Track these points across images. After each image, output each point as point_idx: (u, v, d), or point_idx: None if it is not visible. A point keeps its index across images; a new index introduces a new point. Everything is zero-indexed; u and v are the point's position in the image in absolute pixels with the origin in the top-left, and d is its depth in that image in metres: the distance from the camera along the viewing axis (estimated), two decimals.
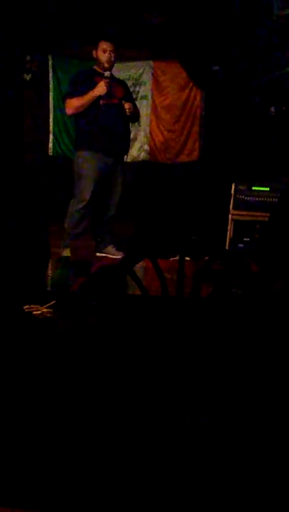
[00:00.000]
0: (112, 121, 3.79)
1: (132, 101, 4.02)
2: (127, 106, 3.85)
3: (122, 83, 4.06)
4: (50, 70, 5.58)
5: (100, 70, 3.81)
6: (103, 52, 3.78)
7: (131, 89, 5.52)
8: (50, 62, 5.56)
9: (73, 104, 3.76)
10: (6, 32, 4.48)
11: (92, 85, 3.73)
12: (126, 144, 4.04)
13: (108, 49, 3.77)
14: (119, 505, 1.01)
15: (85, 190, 3.75)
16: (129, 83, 5.54)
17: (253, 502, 0.98)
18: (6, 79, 4.68)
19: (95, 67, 3.86)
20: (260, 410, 1.12)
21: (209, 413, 1.11)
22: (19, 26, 4.64)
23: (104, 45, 3.78)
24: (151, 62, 5.54)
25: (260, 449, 1.07)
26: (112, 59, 3.80)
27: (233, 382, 1.14)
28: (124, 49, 5.35)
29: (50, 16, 4.81)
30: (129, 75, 5.53)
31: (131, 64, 5.51)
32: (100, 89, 3.68)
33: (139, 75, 5.57)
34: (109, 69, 3.79)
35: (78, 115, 3.81)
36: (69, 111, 3.84)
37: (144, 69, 5.56)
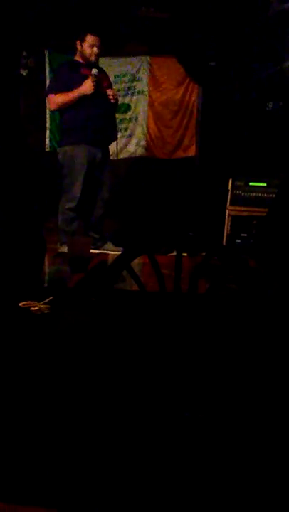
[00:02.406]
0: (99, 111, 3.72)
1: (111, 87, 3.96)
2: (110, 92, 3.79)
3: (103, 71, 3.97)
4: (47, 66, 5.56)
5: (83, 62, 3.74)
6: (90, 47, 3.69)
7: (128, 85, 5.54)
8: (46, 58, 5.54)
9: (57, 101, 3.69)
10: (2, 27, 4.45)
11: (79, 77, 3.65)
12: (112, 133, 3.98)
13: (95, 43, 3.69)
14: (118, 501, 1.01)
15: (76, 187, 3.69)
16: (126, 79, 5.54)
17: (252, 502, 0.99)
18: (3, 74, 4.66)
19: (78, 59, 3.78)
20: (260, 406, 1.12)
21: (208, 408, 1.11)
22: (15, 21, 4.62)
23: (91, 39, 3.69)
24: (148, 58, 5.53)
25: (261, 445, 1.07)
26: (98, 53, 3.72)
27: (231, 378, 1.14)
28: (121, 44, 5.36)
29: (47, 11, 4.79)
30: (126, 71, 5.52)
31: (128, 59, 5.49)
32: (87, 88, 3.61)
33: (136, 70, 5.55)
34: (95, 63, 3.72)
35: (66, 109, 3.73)
36: (52, 106, 3.78)
37: (141, 64, 5.54)
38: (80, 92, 3.62)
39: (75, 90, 3.63)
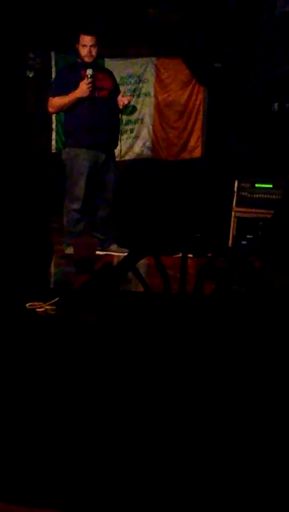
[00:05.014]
0: (102, 115, 3.68)
1: (119, 91, 3.92)
2: (125, 100, 3.78)
3: (109, 73, 3.92)
4: (53, 67, 5.57)
5: (82, 64, 3.70)
6: (83, 47, 3.64)
7: (133, 87, 5.54)
8: (52, 59, 5.55)
9: (55, 104, 3.68)
10: (9, 28, 4.47)
11: (78, 78, 3.61)
12: (115, 137, 3.96)
13: (88, 44, 3.62)
14: (119, 502, 1.01)
15: (79, 188, 3.67)
16: (132, 80, 5.55)
17: (253, 502, 0.98)
18: (10, 76, 4.67)
19: (79, 60, 3.73)
20: (263, 408, 1.12)
21: (211, 410, 1.11)
22: (22, 23, 4.63)
23: (84, 40, 3.64)
24: (153, 59, 5.53)
25: (262, 447, 1.07)
26: (93, 53, 3.65)
27: (235, 380, 1.14)
28: (126, 46, 5.37)
29: (53, 12, 4.81)
30: (132, 72, 5.53)
31: (133, 61, 5.50)
32: (82, 91, 3.57)
33: (141, 71, 5.55)
34: (91, 63, 3.65)
35: (67, 111, 3.71)
36: (51, 109, 3.76)
37: (147, 66, 5.54)
38: (76, 96, 3.59)
39: (71, 94, 3.61)
